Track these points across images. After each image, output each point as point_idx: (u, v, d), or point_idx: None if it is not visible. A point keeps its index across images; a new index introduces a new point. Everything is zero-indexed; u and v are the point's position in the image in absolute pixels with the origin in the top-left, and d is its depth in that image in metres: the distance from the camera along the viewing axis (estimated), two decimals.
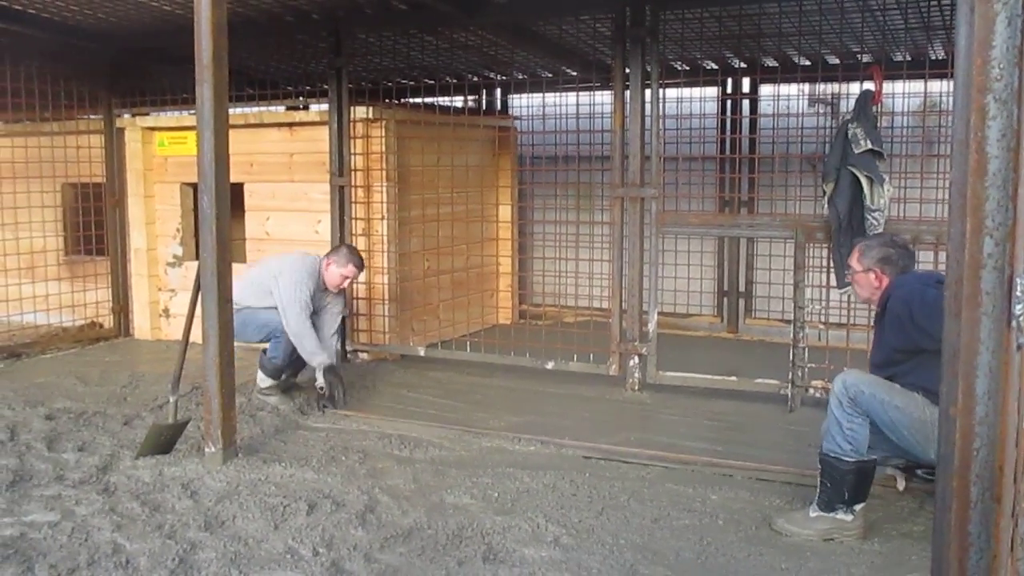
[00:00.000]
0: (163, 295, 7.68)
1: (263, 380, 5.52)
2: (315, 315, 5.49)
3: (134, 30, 7.02)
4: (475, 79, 8.63)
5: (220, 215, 4.27)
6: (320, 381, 5.30)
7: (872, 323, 4.00)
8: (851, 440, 3.54)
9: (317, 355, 5.31)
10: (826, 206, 5.34)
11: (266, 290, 5.40)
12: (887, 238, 4.02)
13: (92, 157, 7.62)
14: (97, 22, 6.82)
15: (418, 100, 8.15)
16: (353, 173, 6.65)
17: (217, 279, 4.28)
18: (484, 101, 8.98)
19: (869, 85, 5.39)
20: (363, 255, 6.68)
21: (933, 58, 7.16)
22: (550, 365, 6.13)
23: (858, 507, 3.58)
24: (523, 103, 8.38)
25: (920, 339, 3.51)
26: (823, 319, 6.27)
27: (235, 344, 4.49)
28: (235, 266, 4.58)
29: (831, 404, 3.61)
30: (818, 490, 3.63)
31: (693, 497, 4.03)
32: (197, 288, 4.51)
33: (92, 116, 7.76)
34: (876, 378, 3.65)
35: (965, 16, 1.92)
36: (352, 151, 6.65)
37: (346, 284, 5.64)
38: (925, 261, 5.97)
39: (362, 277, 6.73)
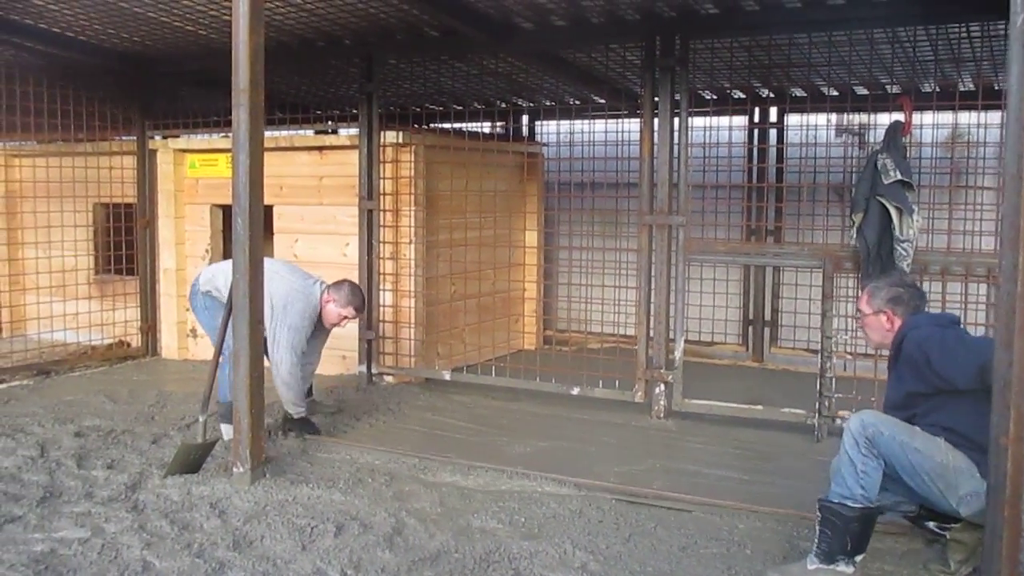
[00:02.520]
0: (191, 315, 7.72)
1: (227, 432, 4.95)
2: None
3: (168, 54, 7.15)
4: (503, 105, 8.70)
5: (253, 236, 4.31)
6: (289, 426, 5.29)
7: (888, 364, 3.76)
8: (863, 484, 3.33)
9: (297, 407, 5.24)
10: (855, 236, 5.33)
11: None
12: (896, 278, 3.80)
13: (124, 178, 7.73)
14: (132, 45, 6.95)
15: (447, 125, 8.21)
16: (382, 197, 6.71)
17: (249, 300, 4.31)
18: (512, 127, 9.05)
19: (899, 116, 5.38)
20: (390, 279, 6.75)
21: (962, 89, 7.16)
22: (575, 391, 6.12)
23: (859, 559, 3.35)
24: (550, 129, 8.43)
25: (940, 384, 3.35)
26: (850, 349, 6.23)
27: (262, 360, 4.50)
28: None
29: (845, 443, 3.39)
30: (816, 540, 3.39)
31: (720, 526, 4.00)
32: (228, 308, 4.54)
33: (125, 138, 7.89)
34: (895, 420, 3.44)
35: (1017, 54, 1.93)
36: (381, 175, 6.71)
37: (343, 324, 5.39)
38: (954, 292, 5.95)
39: (389, 300, 6.77)
